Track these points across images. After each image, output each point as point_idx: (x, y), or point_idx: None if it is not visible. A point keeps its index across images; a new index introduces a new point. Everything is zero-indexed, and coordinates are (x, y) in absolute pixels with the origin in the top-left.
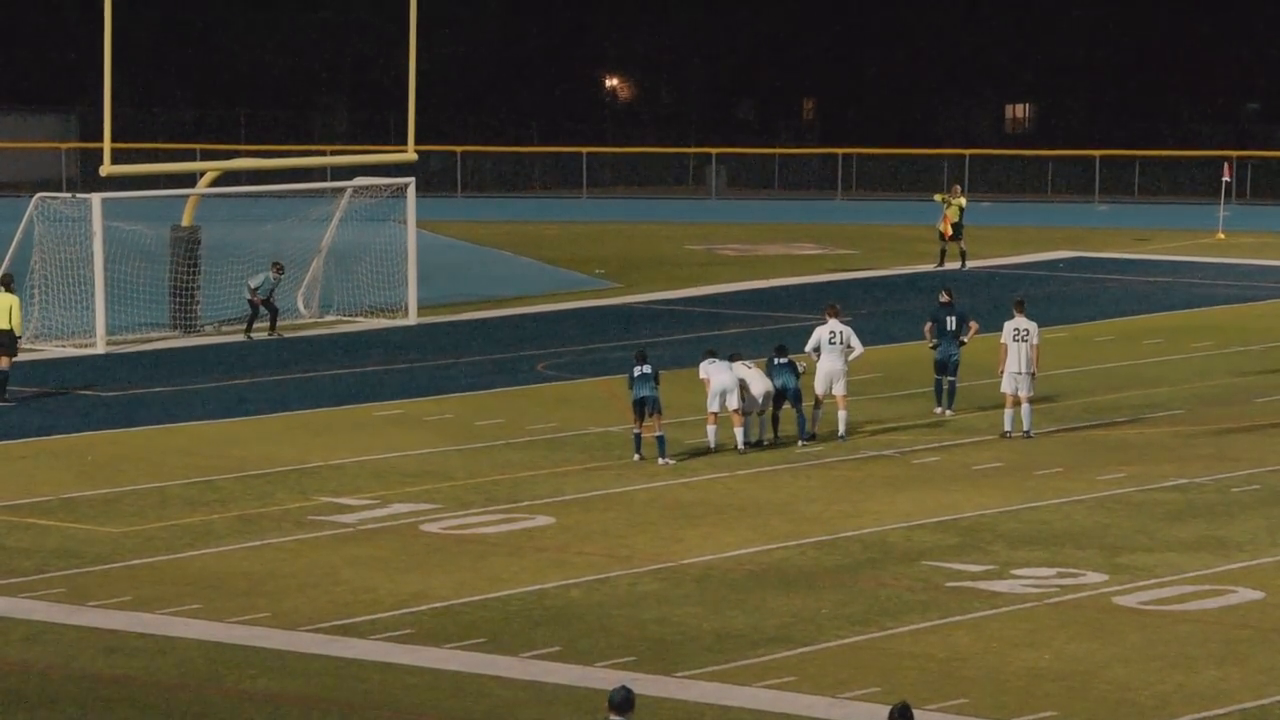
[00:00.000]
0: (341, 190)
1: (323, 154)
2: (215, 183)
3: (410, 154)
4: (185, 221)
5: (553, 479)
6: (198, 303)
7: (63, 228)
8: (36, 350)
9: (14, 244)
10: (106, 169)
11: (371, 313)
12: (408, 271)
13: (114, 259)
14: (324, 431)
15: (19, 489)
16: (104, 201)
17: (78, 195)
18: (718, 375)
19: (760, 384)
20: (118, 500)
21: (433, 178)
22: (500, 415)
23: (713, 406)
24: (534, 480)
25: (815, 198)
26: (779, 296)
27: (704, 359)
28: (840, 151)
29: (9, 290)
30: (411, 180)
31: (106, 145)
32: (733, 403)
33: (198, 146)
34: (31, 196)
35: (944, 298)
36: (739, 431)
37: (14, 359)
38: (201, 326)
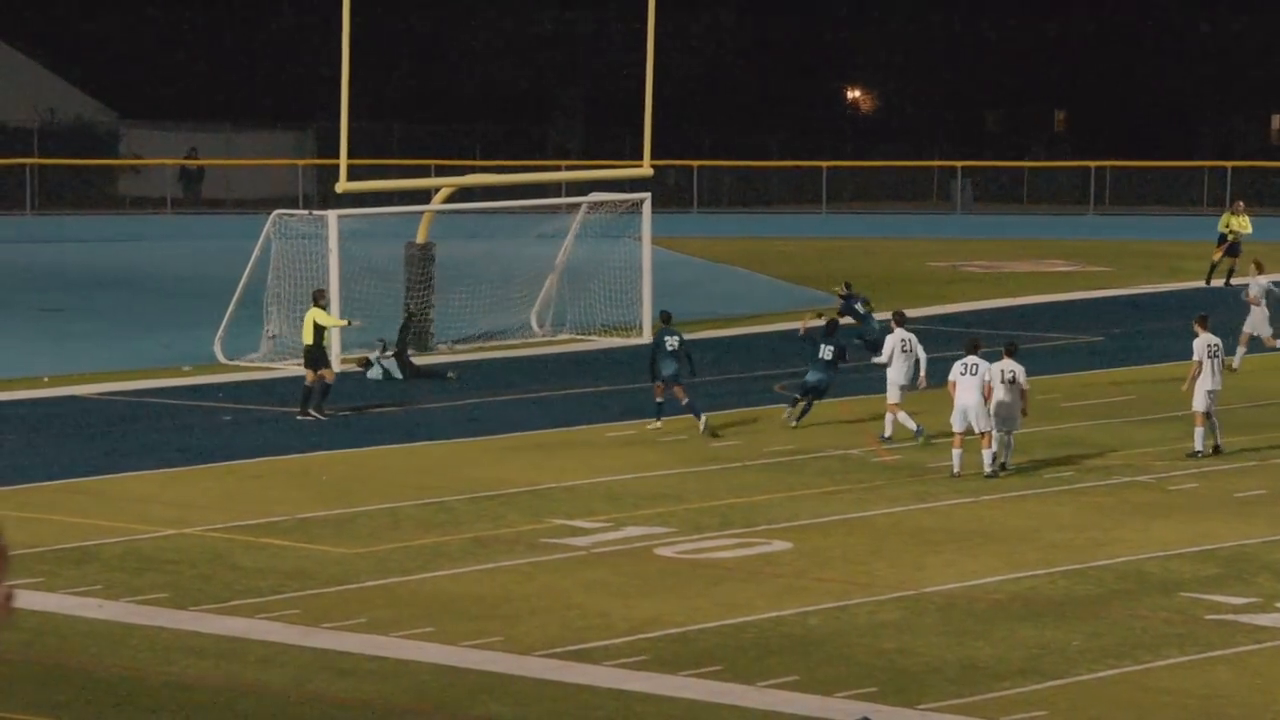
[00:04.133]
0: (576, 206)
1: (557, 169)
2: (449, 199)
3: (646, 169)
4: (420, 238)
5: (790, 502)
6: (432, 320)
7: (300, 245)
8: (273, 369)
9: (252, 261)
10: (343, 185)
11: (605, 331)
12: (642, 289)
13: (349, 277)
14: (556, 452)
15: (254, 509)
16: (340, 218)
17: (314, 212)
18: (964, 393)
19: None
20: (351, 521)
21: (669, 193)
22: (736, 436)
23: (957, 426)
24: (771, 503)
25: (1066, 212)
26: (1027, 315)
27: (966, 354)
28: (1093, 164)
29: (318, 304)
30: (647, 196)
31: (343, 162)
32: (980, 423)
33: (432, 163)
34: (269, 214)
35: (840, 290)
36: (987, 454)
37: (319, 372)
38: (435, 345)
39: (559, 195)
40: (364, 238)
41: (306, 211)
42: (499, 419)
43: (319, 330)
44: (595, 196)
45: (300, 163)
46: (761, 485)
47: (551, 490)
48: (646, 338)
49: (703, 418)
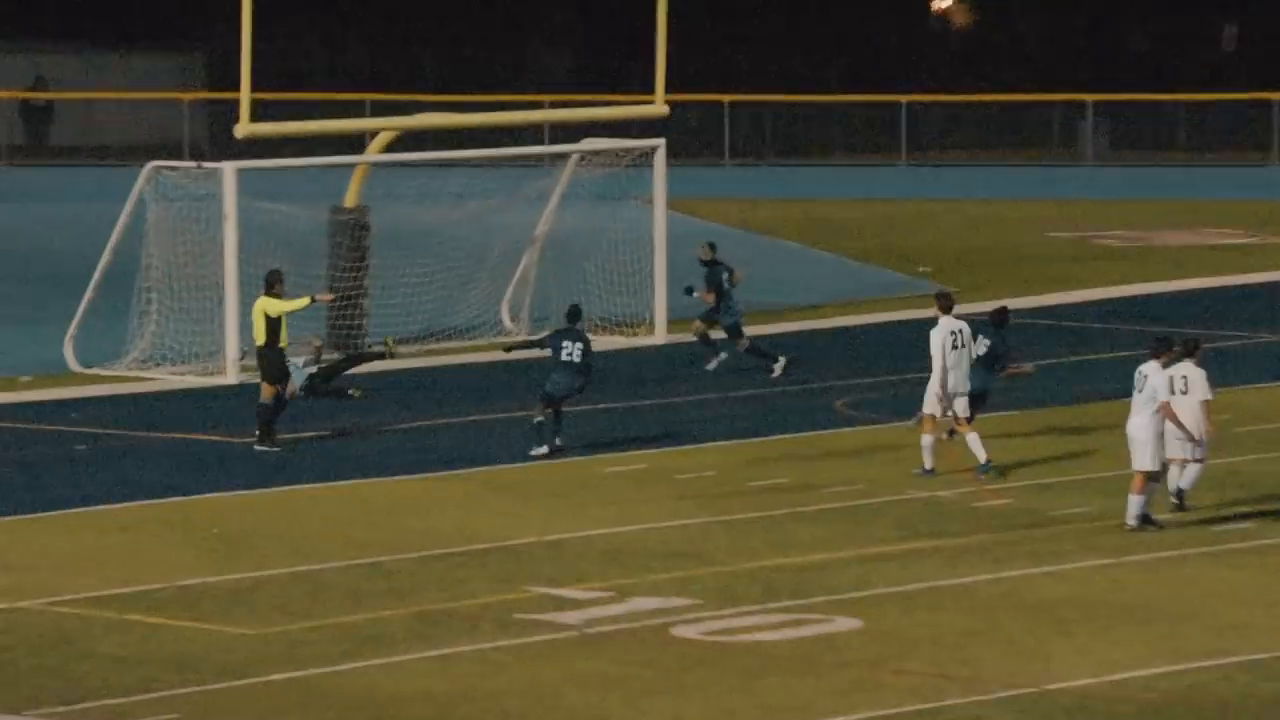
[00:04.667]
0: (565, 157)
1: (538, 106)
2: (390, 147)
3: (659, 106)
4: (349, 201)
5: (857, 564)
6: (365, 313)
7: (184, 209)
8: (147, 380)
9: (118, 230)
10: (244, 128)
11: (604, 328)
12: (654, 270)
13: (252, 252)
14: (537, 494)
15: (120, 572)
16: (240, 173)
17: (204, 165)
18: (1137, 416)
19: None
20: (254, 590)
21: (690, 139)
22: (783, 472)
23: (1137, 464)
24: (831, 566)
25: (1237, 162)
26: (1186, 307)
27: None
28: (1276, 97)
29: (271, 291)
30: (661, 143)
31: (244, 96)
32: (1143, 460)
33: (368, 97)
34: (143, 166)
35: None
36: (1134, 501)
37: (278, 385)
38: (368, 344)
39: (540, 143)
40: (273, 200)
41: (194, 163)
42: (456, 448)
43: (274, 326)
44: (590, 144)
45: (185, 96)
46: (818, 541)
47: (530, 547)
48: (659, 337)
49: (557, 440)
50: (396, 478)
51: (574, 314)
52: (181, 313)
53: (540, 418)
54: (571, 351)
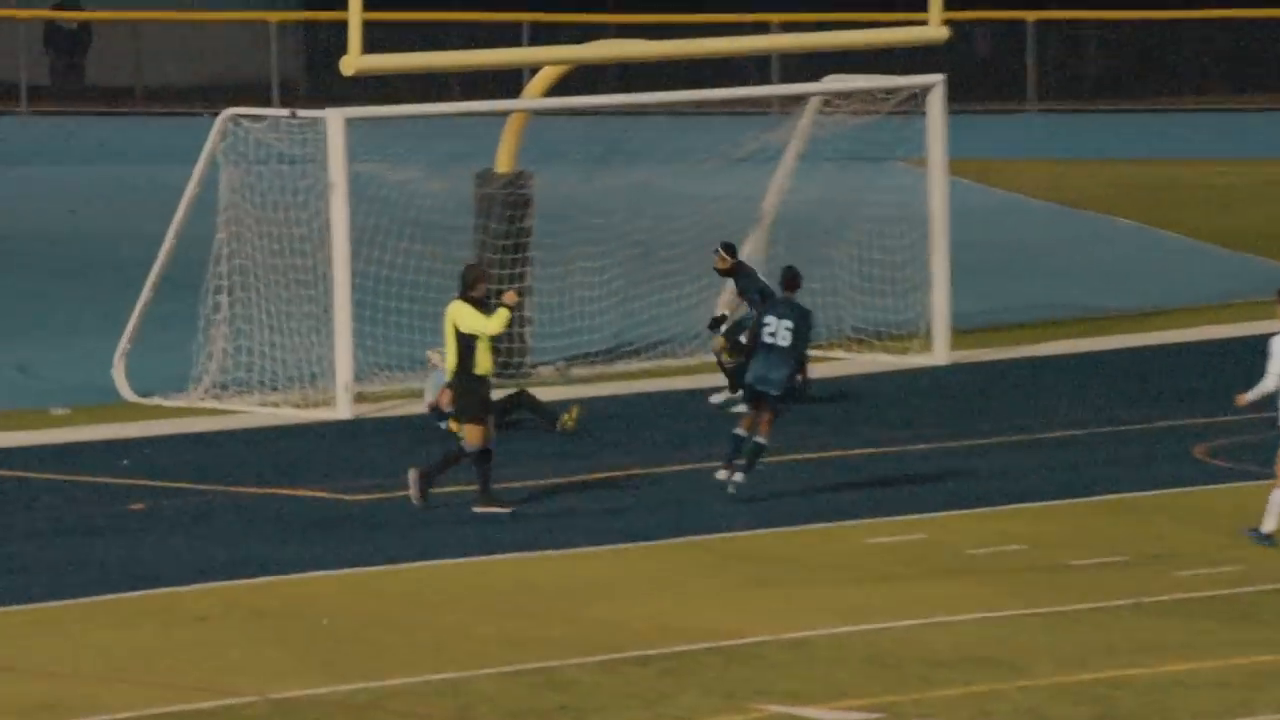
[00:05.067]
0: (800, 101)
1: (763, 30)
2: (556, 90)
3: (936, 28)
4: (501, 165)
5: (1233, 682)
6: (527, 321)
7: (272, 175)
8: (224, 413)
9: (182, 206)
10: (354, 62)
11: (859, 341)
12: (931, 260)
13: (366, 235)
14: (769, 573)
15: (193, 678)
16: (350, 124)
17: (298, 114)
18: None
19: None
20: (376, 706)
21: (980, 75)
22: (1121, 545)
23: None
24: (1193, 682)
25: None
26: None
27: None
28: None
29: (469, 295)
30: (939, 81)
31: (354, 17)
32: None
33: (524, 18)
34: (215, 115)
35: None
36: None
37: (483, 423)
38: (533, 367)
39: (767, 81)
40: (395, 162)
41: (286, 111)
42: (655, 512)
43: (469, 345)
44: (837, 82)
45: (273, 16)
46: (1175, 644)
47: (761, 648)
48: (939, 354)
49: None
50: (571, 550)
51: (790, 279)
52: (270, 321)
53: (740, 429)
54: (776, 330)
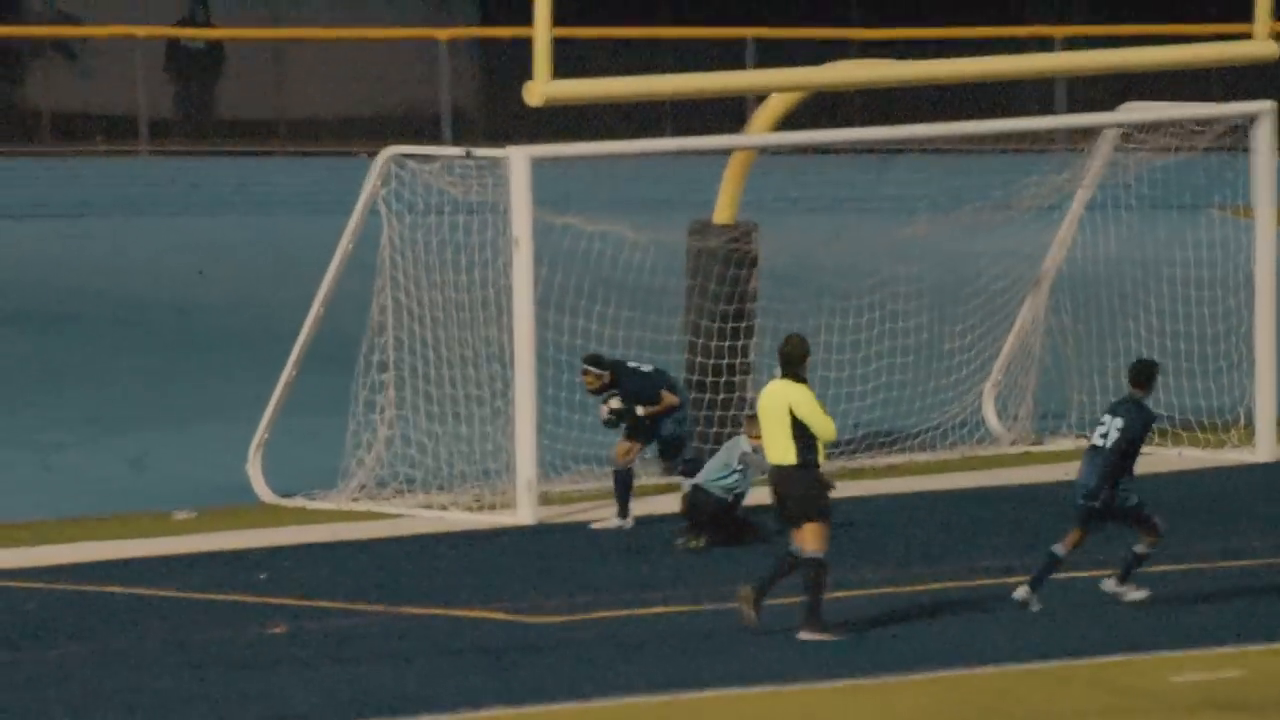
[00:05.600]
0: (1094, 136)
1: (1047, 46)
2: (788, 123)
3: (1264, 42)
4: (721, 214)
5: None
6: (745, 394)
7: (442, 228)
8: (382, 517)
9: (335, 264)
10: (540, 88)
11: (1164, 430)
12: (1254, 333)
13: (557, 295)
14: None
15: None
16: (536, 165)
17: (474, 153)
18: None
19: None
20: None
21: None
22: None
23: None
24: None
25: None
26: None
27: None
28: None
29: (794, 372)
30: (1267, 108)
31: (541, 35)
32: None
33: (748, 33)
34: (371, 155)
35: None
36: None
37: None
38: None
39: (1049, 111)
40: (590, 211)
41: (460, 150)
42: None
43: (807, 438)
44: (1135, 112)
45: (443, 34)
46: None
47: None
48: (1264, 453)
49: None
50: (839, 682)
51: (1140, 374)
52: (438, 406)
53: (1059, 547)
54: (1107, 431)
